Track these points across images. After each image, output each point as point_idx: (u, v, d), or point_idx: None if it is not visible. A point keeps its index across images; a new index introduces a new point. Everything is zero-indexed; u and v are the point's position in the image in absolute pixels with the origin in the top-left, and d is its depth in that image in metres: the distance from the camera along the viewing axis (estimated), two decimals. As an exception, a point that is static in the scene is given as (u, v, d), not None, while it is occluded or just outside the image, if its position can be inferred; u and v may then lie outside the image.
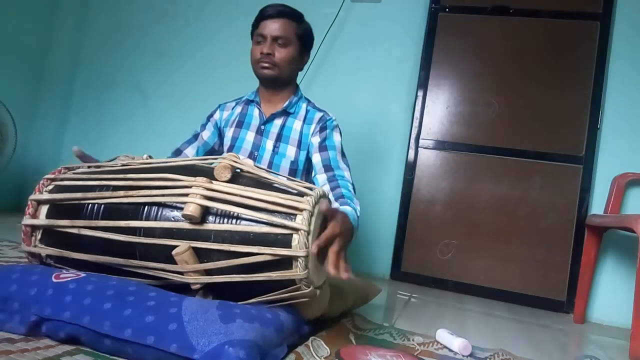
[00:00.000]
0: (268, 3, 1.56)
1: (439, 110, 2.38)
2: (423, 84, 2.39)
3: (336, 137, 1.49)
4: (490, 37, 2.35)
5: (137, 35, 2.86)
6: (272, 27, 1.45)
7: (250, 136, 1.51)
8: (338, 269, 0.95)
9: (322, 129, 1.48)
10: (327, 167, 1.42)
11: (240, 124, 1.54)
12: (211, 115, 1.61)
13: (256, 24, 1.50)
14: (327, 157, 1.44)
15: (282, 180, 1.06)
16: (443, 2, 2.40)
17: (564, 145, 2.20)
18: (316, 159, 1.45)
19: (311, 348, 1.00)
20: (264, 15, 1.48)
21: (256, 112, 1.54)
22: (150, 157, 1.20)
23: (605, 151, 2.16)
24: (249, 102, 1.58)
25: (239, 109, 1.58)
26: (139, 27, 2.87)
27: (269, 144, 1.49)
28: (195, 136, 1.60)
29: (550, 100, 2.25)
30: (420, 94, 2.39)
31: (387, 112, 2.45)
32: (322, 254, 1.03)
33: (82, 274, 0.96)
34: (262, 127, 1.51)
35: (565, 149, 2.20)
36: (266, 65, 1.46)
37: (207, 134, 1.59)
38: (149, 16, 2.85)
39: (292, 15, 1.49)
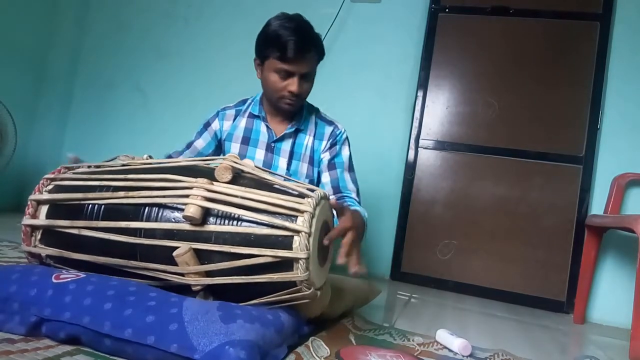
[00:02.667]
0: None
1: (439, 111, 2.37)
2: (423, 84, 2.39)
3: (344, 152, 1.48)
4: (490, 37, 2.35)
5: (137, 35, 2.86)
6: (302, 64, 1.33)
7: (260, 154, 1.46)
8: (350, 261, 0.98)
9: (333, 144, 1.48)
10: (336, 189, 1.43)
11: (247, 141, 1.48)
12: (209, 124, 1.52)
13: (279, 57, 1.32)
14: (335, 176, 1.44)
15: (283, 181, 1.06)
16: (443, 2, 2.40)
17: (564, 146, 2.20)
18: (325, 178, 1.45)
19: (311, 348, 1.00)
20: (292, 51, 1.30)
21: (263, 128, 1.48)
22: (151, 157, 1.20)
23: (605, 151, 2.16)
24: (253, 116, 1.49)
25: (242, 123, 1.49)
26: (139, 27, 2.86)
27: (282, 162, 1.46)
28: (188, 145, 1.53)
29: (550, 100, 2.25)
30: (420, 94, 2.39)
31: (387, 112, 2.45)
32: (322, 254, 1.04)
33: (82, 275, 0.96)
34: (272, 144, 1.47)
35: (565, 149, 2.20)
36: (292, 102, 1.39)
37: (201, 144, 1.51)
38: (149, 16, 2.85)
39: (316, 45, 1.38)
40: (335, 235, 1.01)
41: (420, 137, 2.37)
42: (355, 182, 1.47)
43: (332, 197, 1.07)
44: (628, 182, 2.07)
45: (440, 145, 2.35)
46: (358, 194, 1.45)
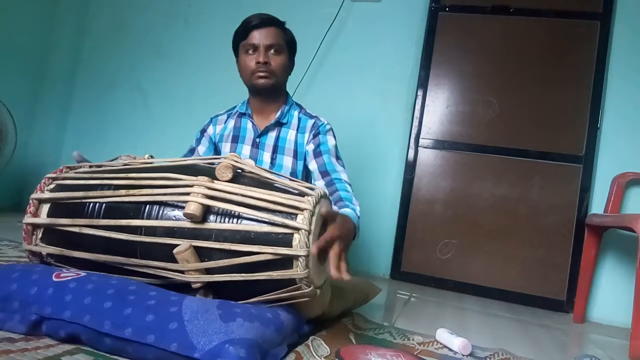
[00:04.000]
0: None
1: (438, 110, 2.38)
2: (423, 83, 2.39)
3: (330, 141, 1.49)
4: (490, 37, 2.35)
5: (137, 35, 2.86)
6: (264, 35, 1.43)
7: (246, 150, 1.51)
8: (339, 271, 0.96)
9: (316, 135, 1.49)
10: (324, 173, 1.43)
11: (236, 139, 1.53)
12: (204, 130, 1.59)
13: (243, 35, 1.45)
14: (322, 162, 1.45)
15: (283, 180, 1.06)
16: (443, 1, 2.40)
17: (564, 145, 2.20)
18: (312, 166, 1.46)
19: (311, 347, 1.00)
20: (251, 25, 1.44)
21: (249, 125, 1.53)
22: (152, 157, 1.20)
23: (605, 151, 2.16)
24: (241, 115, 1.56)
25: (231, 123, 1.56)
26: (139, 27, 2.86)
27: (266, 157, 1.49)
28: (192, 151, 1.59)
29: (550, 100, 2.25)
30: (420, 93, 2.39)
31: (387, 112, 2.45)
32: (322, 254, 1.04)
33: (83, 273, 0.96)
34: (257, 140, 1.51)
35: (565, 149, 2.20)
36: (264, 74, 1.43)
37: (202, 149, 1.58)
38: (149, 16, 2.85)
39: (279, 23, 1.49)
40: (322, 245, 0.97)
41: (420, 137, 2.37)
42: (342, 165, 1.47)
43: (325, 203, 1.06)
44: (628, 181, 2.07)
45: (440, 145, 2.35)
46: (346, 177, 1.45)
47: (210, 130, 1.58)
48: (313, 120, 1.52)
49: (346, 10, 2.51)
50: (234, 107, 1.60)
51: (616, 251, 2.09)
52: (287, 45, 1.50)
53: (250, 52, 1.44)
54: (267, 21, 1.45)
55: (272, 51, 1.44)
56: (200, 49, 2.74)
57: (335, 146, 1.50)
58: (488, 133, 2.30)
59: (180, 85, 2.75)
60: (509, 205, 2.24)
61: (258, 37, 1.43)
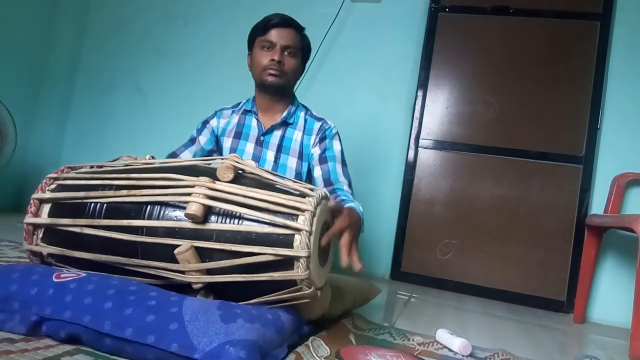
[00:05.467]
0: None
1: (438, 110, 2.38)
2: (423, 84, 2.39)
3: (336, 146, 1.50)
4: (490, 37, 2.35)
5: (137, 36, 2.86)
6: (283, 35, 1.45)
7: (249, 147, 1.51)
8: (350, 260, 1.00)
9: (322, 139, 1.49)
10: (327, 181, 1.44)
11: (239, 135, 1.53)
12: (207, 122, 1.59)
13: (262, 31, 1.46)
14: (327, 169, 1.45)
15: (284, 181, 1.06)
16: (443, 2, 2.40)
17: (564, 145, 2.20)
18: (317, 172, 1.47)
19: (311, 348, 1.00)
20: (272, 23, 1.45)
21: (254, 122, 1.53)
22: (153, 157, 1.20)
23: (605, 151, 2.17)
24: (246, 112, 1.56)
25: (235, 119, 1.56)
26: (139, 27, 2.86)
27: (270, 155, 1.49)
28: (192, 140, 1.58)
29: (550, 100, 2.25)
30: (420, 94, 2.39)
31: (387, 112, 2.45)
32: (323, 255, 1.04)
33: (83, 274, 0.96)
34: (262, 138, 1.51)
35: (565, 149, 2.20)
36: (275, 73, 1.44)
37: (203, 140, 1.57)
38: (149, 16, 2.85)
39: (299, 28, 1.50)
40: (332, 235, 1.01)
41: (420, 137, 2.38)
42: (347, 175, 1.48)
43: (330, 197, 1.08)
44: (628, 181, 2.07)
45: (440, 145, 2.35)
46: (350, 187, 1.46)
47: (213, 122, 1.58)
48: (320, 123, 1.52)
49: (346, 10, 2.51)
50: (239, 103, 1.60)
51: (616, 252, 2.09)
52: (302, 50, 1.52)
53: (266, 48, 1.46)
54: (288, 22, 1.47)
55: (287, 52, 1.46)
56: (200, 49, 2.75)
57: (341, 151, 1.51)
58: (488, 133, 2.30)
59: (180, 85, 2.75)
60: (509, 206, 2.24)
61: (277, 35, 1.45)
